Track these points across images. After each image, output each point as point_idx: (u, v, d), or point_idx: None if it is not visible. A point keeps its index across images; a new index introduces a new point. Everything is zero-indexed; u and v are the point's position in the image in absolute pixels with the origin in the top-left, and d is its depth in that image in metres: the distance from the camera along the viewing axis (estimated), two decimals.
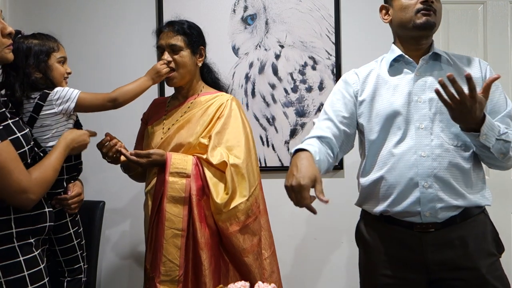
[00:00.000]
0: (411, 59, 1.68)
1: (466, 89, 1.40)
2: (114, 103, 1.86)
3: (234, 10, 2.65)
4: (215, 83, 2.14)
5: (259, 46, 2.64)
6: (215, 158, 1.89)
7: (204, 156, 1.91)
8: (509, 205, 2.64)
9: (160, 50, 2.01)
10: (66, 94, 1.76)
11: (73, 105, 1.77)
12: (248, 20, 2.65)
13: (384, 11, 1.76)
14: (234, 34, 2.64)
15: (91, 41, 2.64)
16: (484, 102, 1.44)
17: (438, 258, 1.59)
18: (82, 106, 1.79)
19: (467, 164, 1.60)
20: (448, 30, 2.65)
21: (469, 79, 1.37)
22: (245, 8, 2.64)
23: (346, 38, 2.64)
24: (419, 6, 1.62)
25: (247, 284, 1.38)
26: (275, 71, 2.63)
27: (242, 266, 1.91)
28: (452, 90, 1.40)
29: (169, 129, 2.00)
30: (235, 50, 2.64)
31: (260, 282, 1.36)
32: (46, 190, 1.55)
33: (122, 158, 1.92)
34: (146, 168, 2.01)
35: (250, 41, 2.64)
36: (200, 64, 2.04)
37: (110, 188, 2.59)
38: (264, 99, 2.64)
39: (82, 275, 1.89)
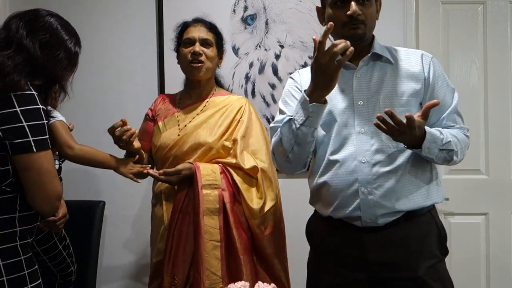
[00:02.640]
0: (349, 62, 1.62)
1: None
2: (70, 153, 1.79)
3: (234, 10, 2.65)
4: (220, 85, 2.17)
5: (259, 46, 2.65)
6: (246, 163, 1.92)
7: (234, 161, 1.92)
8: (509, 205, 2.64)
9: (186, 43, 2.02)
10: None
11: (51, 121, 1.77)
12: (248, 20, 2.65)
13: (320, 14, 1.72)
14: (234, 34, 2.64)
15: (91, 41, 2.63)
16: (423, 124, 1.46)
17: (379, 258, 1.57)
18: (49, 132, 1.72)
19: (409, 166, 1.58)
20: (448, 30, 2.65)
21: (408, 119, 1.40)
22: (245, 8, 2.65)
23: None
24: (345, 19, 1.57)
25: (247, 284, 1.38)
26: (275, 71, 2.64)
27: (271, 269, 1.93)
28: (392, 123, 1.42)
29: (185, 126, 1.99)
30: (235, 50, 2.64)
31: (260, 282, 1.36)
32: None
33: (135, 144, 1.84)
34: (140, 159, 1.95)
35: (250, 41, 2.64)
36: (219, 66, 2.10)
37: (110, 188, 2.59)
38: (264, 99, 2.65)
39: (72, 276, 1.98)
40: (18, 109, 1.32)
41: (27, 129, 1.33)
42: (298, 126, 1.50)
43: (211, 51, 2.02)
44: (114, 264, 2.63)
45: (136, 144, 1.85)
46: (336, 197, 1.59)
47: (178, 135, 1.98)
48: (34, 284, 1.44)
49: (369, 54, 1.63)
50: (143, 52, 2.63)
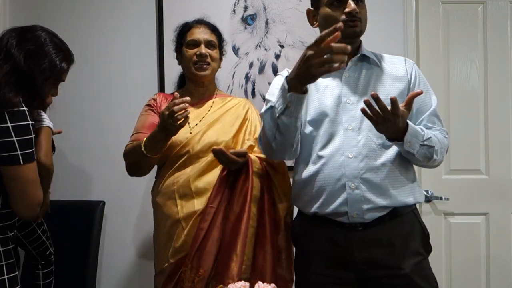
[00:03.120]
0: None
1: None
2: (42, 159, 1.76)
3: (234, 10, 2.65)
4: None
5: (259, 46, 2.65)
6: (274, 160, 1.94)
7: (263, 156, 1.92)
8: (509, 205, 2.64)
9: (191, 44, 2.04)
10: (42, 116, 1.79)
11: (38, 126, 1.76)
12: (248, 20, 2.65)
13: (311, 15, 1.77)
14: (234, 34, 2.64)
15: (91, 40, 2.64)
16: (407, 115, 1.49)
17: (366, 256, 1.60)
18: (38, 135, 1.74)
19: (394, 163, 1.62)
20: (448, 30, 2.65)
21: (393, 102, 1.42)
22: (245, 8, 2.65)
23: None
24: (344, 17, 1.64)
25: (247, 284, 1.38)
26: (275, 71, 2.63)
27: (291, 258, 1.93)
28: (377, 108, 1.44)
29: (196, 124, 2.01)
30: (235, 50, 2.64)
31: (260, 282, 1.37)
32: None
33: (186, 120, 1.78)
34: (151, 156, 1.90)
35: (250, 41, 2.64)
36: (220, 68, 2.13)
37: (110, 188, 2.59)
38: (264, 99, 2.64)
39: (52, 257, 2.05)
40: (9, 124, 1.46)
41: (16, 143, 1.46)
42: (277, 115, 1.52)
43: (215, 53, 2.07)
44: (114, 264, 2.63)
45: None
46: (323, 192, 1.63)
47: (190, 133, 1.98)
48: (10, 275, 1.54)
49: (358, 55, 1.70)
50: (143, 52, 2.63)
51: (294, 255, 1.85)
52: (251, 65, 2.64)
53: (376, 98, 1.42)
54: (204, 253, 1.83)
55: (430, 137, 1.58)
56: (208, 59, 2.03)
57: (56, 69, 1.59)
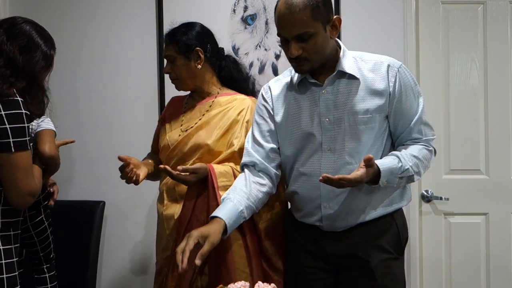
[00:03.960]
0: (314, 80, 1.66)
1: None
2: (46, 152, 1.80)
3: (234, 10, 2.65)
4: (235, 85, 2.07)
5: (259, 46, 2.65)
6: None
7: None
8: (509, 205, 2.64)
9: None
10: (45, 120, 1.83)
11: (39, 129, 1.79)
12: (248, 20, 2.65)
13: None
14: (234, 34, 2.64)
15: (91, 40, 2.64)
16: (372, 170, 1.51)
17: (336, 252, 1.69)
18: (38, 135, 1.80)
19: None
20: (448, 30, 2.65)
21: (366, 160, 1.48)
22: (245, 8, 2.65)
23: (346, 38, 2.63)
24: (289, 58, 1.62)
25: (247, 284, 1.38)
26: (275, 71, 2.63)
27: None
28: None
29: (187, 130, 1.97)
30: (235, 50, 2.64)
31: (260, 282, 1.37)
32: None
33: (141, 177, 1.91)
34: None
35: (250, 41, 2.64)
36: (199, 67, 1.97)
37: (110, 188, 2.59)
38: None
39: (54, 261, 2.04)
40: (3, 112, 1.50)
41: (9, 131, 1.50)
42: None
43: (176, 65, 1.96)
44: (114, 265, 2.63)
45: (142, 176, 1.92)
46: (303, 207, 1.72)
47: (179, 135, 1.97)
48: (10, 275, 1.55)
49: (333, 73, 1.64)
50: (143, 52, 2.63)
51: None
52: (251, 65, 2.64)
53: (327, 180, 1.47)
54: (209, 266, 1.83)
55: (407, 168, 1.59)
56: (173, 75, 1.99)
57: (47, 57, 1.68)
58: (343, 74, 1.64)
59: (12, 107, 1.51)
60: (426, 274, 2.64)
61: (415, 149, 1.65)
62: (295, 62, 1.61)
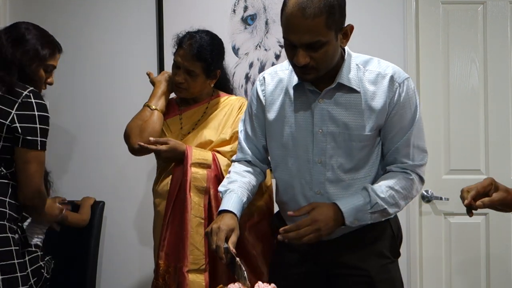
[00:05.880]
0: (313, 87, 1.56)
1: None
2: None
3: (234, 10, 2.65)
4: (225, 87, 2.16)
5: (259, 46, 2.65)
6: None
7: (228, 149, 1.97)
8: None
9: (174, 63, 2.00)
10: None
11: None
12: (248, 20, 2.65)
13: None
14: (234, 34, 2.64)
15: (91, 40, 2.64)
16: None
17: (332, 258, 1.62)
18: None
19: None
20: (448, 30, 2.65)
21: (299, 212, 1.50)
22: (245, 8, 2.65)
23: None
24: (293, 63, 1.49)
25: (248, 284, 1.38)
26: None
27: (249, 259, 1.91)
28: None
29: (189, 133, 2.02)
30: (235, 50, 2.64)
31: (260, 282, 1.37)
32: None
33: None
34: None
35: (250, 41, 2.64)
36: (212, 85, 2.05)
37: (110, 188, 2.59)
38: None
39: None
40: (36, 113, 1.69)
41: (38, 130, 1.69)
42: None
43: (193, 80, 1.97)
44: (113, 265, 2.63)
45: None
46: (295, 218, 1.56)
47: (181, 139, 2.01)
48: (4, 263, 1.63)
49: (332, 85, 1.53)
50: (142, 53, 2.63)
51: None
52: (251, 65, 2.64)
53: (285, 238, 1.47)
54: (171, 246, 1.90)
55: (377, 202, 1.50)
56: (185, 85, 1.97)
57: (38, 53, 1.78)
58: (343, 86, 1.54)
59: (43, 109, 1.71)
60: (426, 274, 2.64)
61: (391, 180, 1.54)
62: (300, 70, 1.48)
